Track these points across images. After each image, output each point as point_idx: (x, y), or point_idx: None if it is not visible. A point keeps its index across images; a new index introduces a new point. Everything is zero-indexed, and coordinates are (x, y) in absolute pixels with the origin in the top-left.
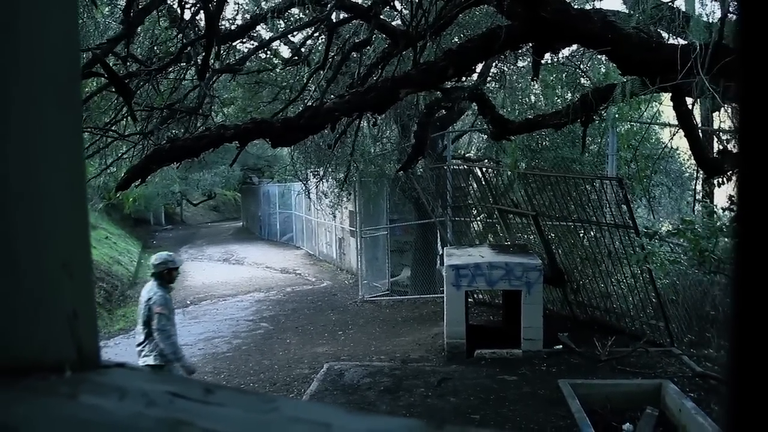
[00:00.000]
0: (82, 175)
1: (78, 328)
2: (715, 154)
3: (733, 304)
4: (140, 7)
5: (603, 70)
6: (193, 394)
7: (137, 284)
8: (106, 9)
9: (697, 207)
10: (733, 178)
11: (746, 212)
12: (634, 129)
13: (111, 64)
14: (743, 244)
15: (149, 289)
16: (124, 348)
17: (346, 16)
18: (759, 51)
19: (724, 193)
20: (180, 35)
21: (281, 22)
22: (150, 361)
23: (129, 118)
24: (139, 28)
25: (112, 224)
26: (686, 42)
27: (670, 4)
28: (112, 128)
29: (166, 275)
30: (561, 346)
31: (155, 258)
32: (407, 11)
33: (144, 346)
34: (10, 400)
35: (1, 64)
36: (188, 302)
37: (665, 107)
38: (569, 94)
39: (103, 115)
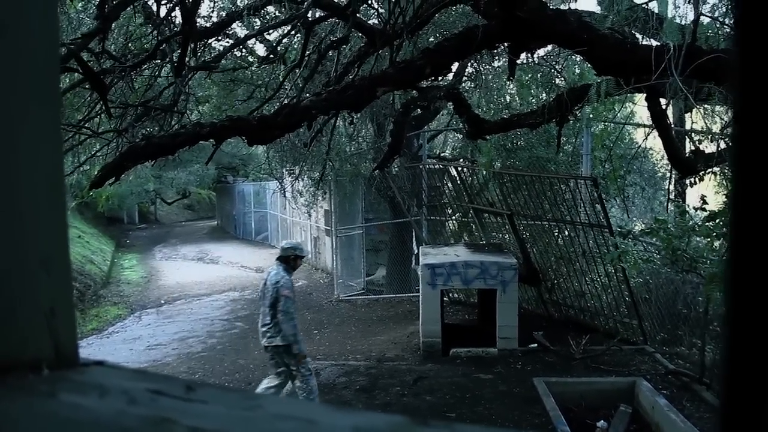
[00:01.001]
0: (60, 171)
1: (56, 326)
2: (688, 154)
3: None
4: (116, 2)
5: (578, 71)
6: (174, 392)
7: (110, 284)
8: (80, 4)
9: (670, 206)
10: (708, 178)
11: (742, 214)
12: (609, 129)
13: (85, 60)
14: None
15: (276, 272)
16: (97, 348)
17: (323, 14)
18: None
19: (696, 193)
20: (155, 32)
21: (257, 19)
22: (277, 341)
23: (103, 115)
24: (114, 24)
25: (85, 223)
26: (660, 43)
27: (644, 5)
28: (86, 125)
29: (292, 261)
30: (536, 345)
31: (287, 243)
32: (384, 10)
33: (269, 328)
34: None
35: None
36: (162, 302)
37: (639, 107)
38: (544, 94)
39: (76, 112)
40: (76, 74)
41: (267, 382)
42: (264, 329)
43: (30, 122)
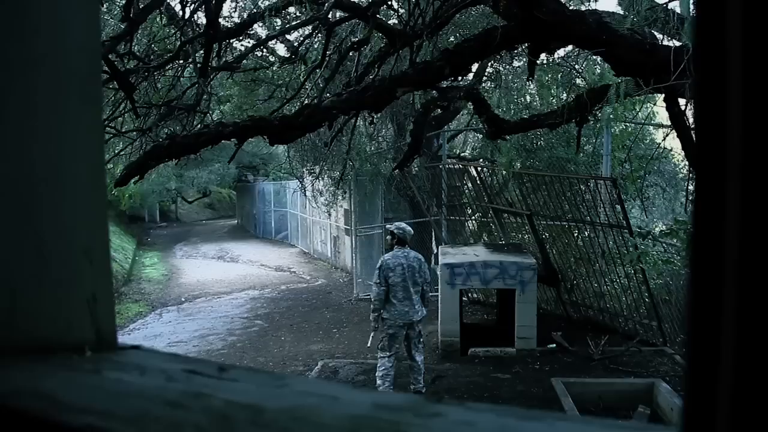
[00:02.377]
0: (101, 166)
1: (97, 312)
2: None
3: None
4: (142, 6)
5: (598, 71)
6: (208, 372)
7: (131, 281)
8: (104, 6)
9: (690, 207)
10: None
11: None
12: (629, 129)
13: (112, 61)
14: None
15: (403, 255)
16: None
17: (344, 15)
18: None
19: None
20: (178, 33)
21: (278, 20)
22: (420, 315)
23: (126, 114)
24: (138, 27)
25: (108, 221)
26: (680, 44)
27: (664, 5)
28: (110, 125)
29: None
30: (554, 345)
31: (407, 226)
32: (404, 11)
33: (420, 304)
34: (43, 372)
35: (27, 58)
36: (183, 299)
37: (659, 108)
38: (564, 95)
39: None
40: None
41: (384, 362)
42: (416, 306)
43: (73, 119)
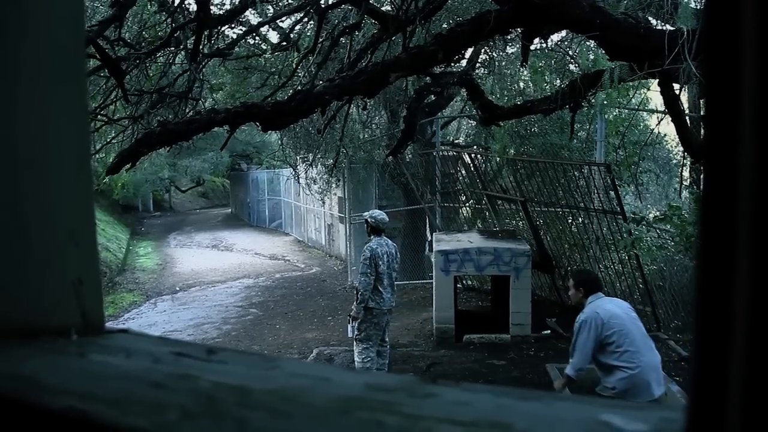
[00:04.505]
0: (86, 146)
1: (83, 295)
2: (701, 140)
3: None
4: None
5: (591, 57)
6: (196, 354)
7: (125, 271)
8: None
9: (684, 193)
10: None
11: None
12: (622, 115)
13: (101, 46)
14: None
15: (386, 241)
16: None
17: (335, 0)
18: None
19: None
20: (169, 19)
21: (270, 7)
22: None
23: (118, 102)
24: (128, 11)
25: (100, 210)
26: (674, 28)
27: None
28: (101, 112)
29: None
30: (549, 331)
31: (383, 214)
32: None
33: (394, 292)
34: (24, 355)
35: (8, 34)
36: (177, 288)
37: (653, 93)
38: (558, 80)
39: (91, 100)
40: (92, 61)
41: (368, 352)
42: (393, 294)
43: (57, 97)
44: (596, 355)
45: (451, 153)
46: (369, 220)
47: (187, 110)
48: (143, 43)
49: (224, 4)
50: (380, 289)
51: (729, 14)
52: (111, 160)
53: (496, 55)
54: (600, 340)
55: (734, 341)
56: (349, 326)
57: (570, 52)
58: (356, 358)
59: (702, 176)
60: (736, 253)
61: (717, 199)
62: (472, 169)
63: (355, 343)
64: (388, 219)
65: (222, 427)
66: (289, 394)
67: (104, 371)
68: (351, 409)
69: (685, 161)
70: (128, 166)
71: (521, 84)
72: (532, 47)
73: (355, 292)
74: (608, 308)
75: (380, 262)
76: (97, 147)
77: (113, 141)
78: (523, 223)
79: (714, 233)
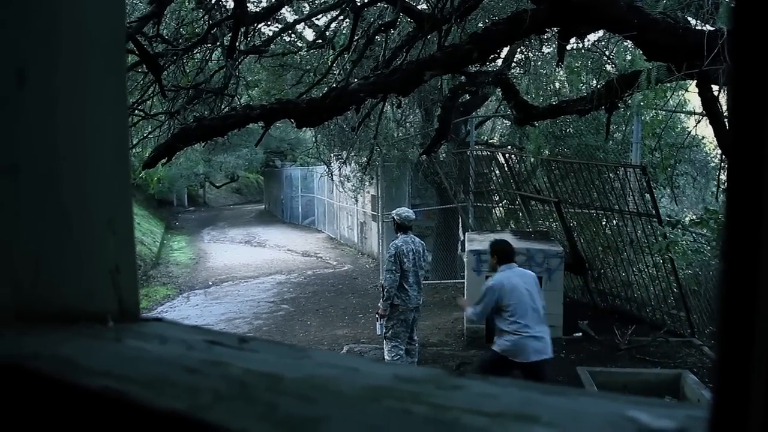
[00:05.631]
0: (125, 137)
1: (120, 282)
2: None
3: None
4: None
5: (628, 57)
6: (229, 343)
7: (159, 264)
8: None
9: (722, 197)
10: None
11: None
12: (659, 117)
13: (140, 42)
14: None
15: (411, 240)
16: None
17: None
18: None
19: None
20: (206, 16)
21: (306, 4)
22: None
23: (155, 98)
24: (166, 8)
25: (136, 205)
26: (714, 28)
27: None
28: (139, 107)
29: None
30: (580, 334)
31: (409, 212)
32: None
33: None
34: (64, 338)
35: (48, 27)
36: (210, 283)
37: (691, 95)
38: (594, 81)
39: (129, 95)
40: (130, 57)
41: (398, 350)
42: (420, 292)
43: (96, 89)
44: (494, 316)
45: (485, 153)
46: (395, 217)
47: (223, 106)
48: (180, 40)
49: (261, 2)
50: (405, 286)
51: (760, 12)
52: (147, 154)
53: (531, 55)
54: (499, 305)
55: (757, 339)
56: (378, 323)
57: (607, 53)
58: (386, 356)
59: (726, 173)
60: (761, 254)
61: (742, 197)
62: (506, 169)
63: (384, 340)
64: (414, 216)
65: (253, 410)
66: (319, 382)
67: (140, 356)
68: (380, 398)
69: (723, 164)
70: (164, 160)
71: (557, 84)
72: (569, 47)
73: (381, 289)
74: (514, 282)
75: (405, 260)
76: (134, 141)
77: (150, 136)
78: (556, 225)
79: (738, 231)
